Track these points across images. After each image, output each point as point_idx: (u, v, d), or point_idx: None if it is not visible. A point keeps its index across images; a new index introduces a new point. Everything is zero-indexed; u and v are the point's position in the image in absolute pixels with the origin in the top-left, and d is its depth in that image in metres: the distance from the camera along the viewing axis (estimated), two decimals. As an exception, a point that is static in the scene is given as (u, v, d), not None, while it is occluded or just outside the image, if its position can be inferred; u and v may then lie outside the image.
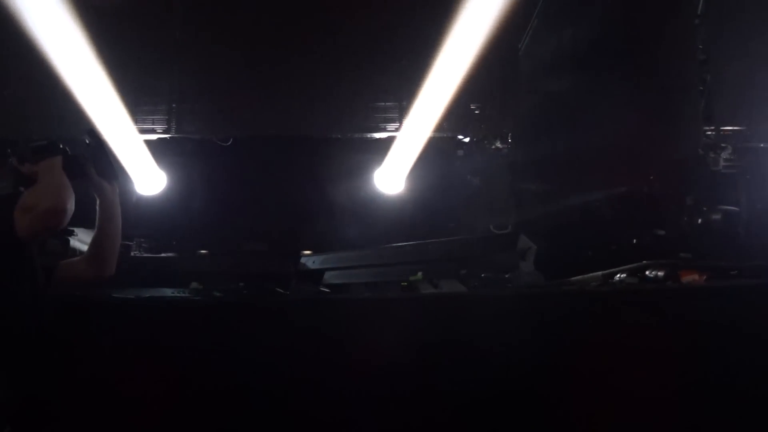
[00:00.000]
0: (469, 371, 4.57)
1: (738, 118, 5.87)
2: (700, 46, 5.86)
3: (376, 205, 5.82)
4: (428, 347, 4.60)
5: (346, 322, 4.79)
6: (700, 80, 5.84)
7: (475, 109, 5.53)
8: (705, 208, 5.40)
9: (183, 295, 5.17)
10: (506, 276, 4.98)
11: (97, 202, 3.08)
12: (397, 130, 5.65)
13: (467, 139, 5.63)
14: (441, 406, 4.52)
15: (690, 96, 5.85)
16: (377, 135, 5.81)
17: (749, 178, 5.53)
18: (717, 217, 5.33)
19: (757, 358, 4.15)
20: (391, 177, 5.88)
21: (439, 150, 5.75)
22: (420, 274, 5.07)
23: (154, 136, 6.02)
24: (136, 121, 5.91)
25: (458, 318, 4.69)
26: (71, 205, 2.80)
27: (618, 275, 4.77)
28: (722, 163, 5.82)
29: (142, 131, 6.04)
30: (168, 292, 5.19)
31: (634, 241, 5.15)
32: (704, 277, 4.53)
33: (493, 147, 5.55)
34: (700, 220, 5.37)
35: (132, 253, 5.69)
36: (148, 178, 5.93)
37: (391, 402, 4.56)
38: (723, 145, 5.84)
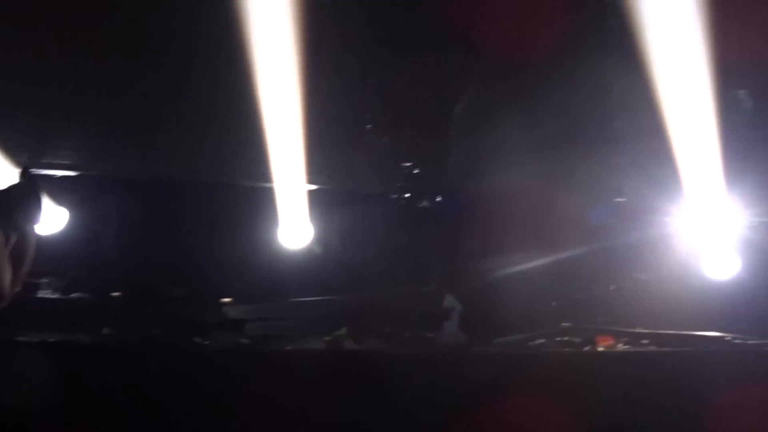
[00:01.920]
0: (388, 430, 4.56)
1: (647, 192, 6.21)
2: (614, 123, 6.21)
3: (299, 257, 5.78)
4: (348, 404, 4.57)
5: (266, 375, 4.70)
6: (615, 154, 6.16)
7: (405, 168, 5.65)
8: (618, 276, 5.66)
9: (93, 340, 4.94)
10: (430, 335, 5.03)
11: (11, 240, 2.90)
12: (325, 183, 5.69)
13: (395, 196, 5.73)
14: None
15: (603, 169, 6.16)
16: (302, 186, 5.81)
17: (657, 249, 5.85)
18: (629, 284, 5.61)
19: (667, 422, 4.35)
20: (309, 229, 5.88)
21: (367, 205, 5.81)
22: (344, 329, 5.05)
23: (70, 173, 5.81)
24: (54, 156, 5.70)
25: (380, 376, 4.69)
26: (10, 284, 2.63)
27: (538, 339, 4.91)
28: (631, 233, 6.14)
29: (55, 167, 5.83)
30: (77, 336, 4.95)
31: (554, 303, 5.35)
32: (620, 344, 4.73)
33: (421, 205, 5.66)
34: (612, 287, 5.63)
35: (40, 294, 5.39)
36: (49, 215, 5.68)
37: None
38: (632, 216, 6.17)
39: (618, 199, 6.18)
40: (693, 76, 5.89)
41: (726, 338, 4.79)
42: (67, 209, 5.68)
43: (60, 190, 5.69)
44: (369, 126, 5.77)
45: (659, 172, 6.08)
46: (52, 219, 5.60)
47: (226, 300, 5.45)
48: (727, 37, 5.93)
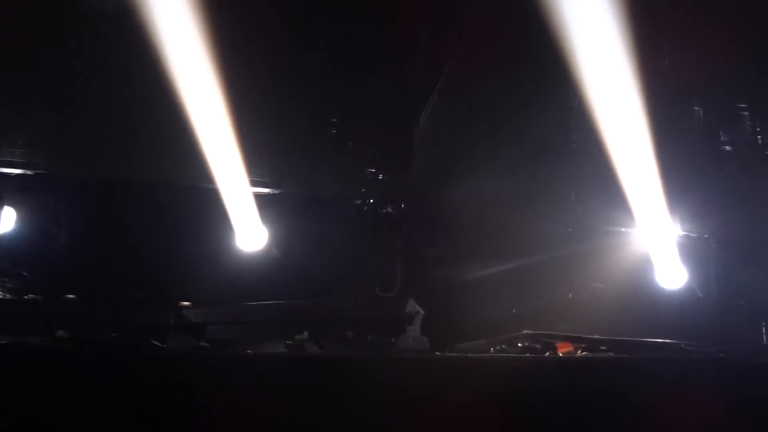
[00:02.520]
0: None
1: (604, 203, 6.37)
2: (574, 137, 6.36)
3: (261, 261, 5.74)
4: (310, 408, 4.54)
5: (227, 379, 4.64)
6: (573, 167, 6.31)
7: (369, 174, 5.69)
8: (575, 284, 5.79)
9: (47, 343, 4.79)
10: (392, 340, 5.04)
11: None
12: (290, 188, 5.67)
13: (359, 201, 5.75)
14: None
15: (563, 180, 6.30)
16: (266, 190, 5.79)
17: (613, 258, 6.00)
18: (586, 293, 5.73)
19: (624, 426, 4.44)
20: (272, 233, 5.85)
21: (331, 210, 5.82)
22: (306, 333, 5.02)
23: (27, 171, 5.65)
24: (10, 155, 5.54)
25: (342, 380, 4.68)
26: None
27: (499, 344, 4.97)
28: (588, 243, 6.28)
29: (10, 165, 5.67)
30: (30, 339, 4.80)
31: (514, 311, 5.43)
32: (579, 351, 4.82)
33: (385, 211, 5.70)
34: (570, 295, 5.74)
35: (-8, 295, 5.24)
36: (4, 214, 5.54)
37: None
38: (589, 226, 6.31)
39: (575, 209, 6.33)
40: (648, 92, 6.09)
41: (681, 345, 4.92)
42: (22, 209, 5.53)
43: (14, 189, 5.54)
44: (334, 132, 5.80)
45: (615, 184, 6.24)
46: (5, 218, 5.45)
47: (186, 303, 5.36)
48: (681, 59, 6.17)
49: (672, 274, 6.02)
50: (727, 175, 5.98)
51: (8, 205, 5.59)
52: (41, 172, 5.78)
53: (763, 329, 5.71)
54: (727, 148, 6.07)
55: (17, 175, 5.67)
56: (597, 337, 4.95)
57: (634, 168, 6.12)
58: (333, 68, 5.74)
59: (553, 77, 6.16)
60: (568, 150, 6.27)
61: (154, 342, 4.92)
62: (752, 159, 6.01)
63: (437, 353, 4.99)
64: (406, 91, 5.79)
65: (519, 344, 4.94)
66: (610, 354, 4.88)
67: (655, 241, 6.08)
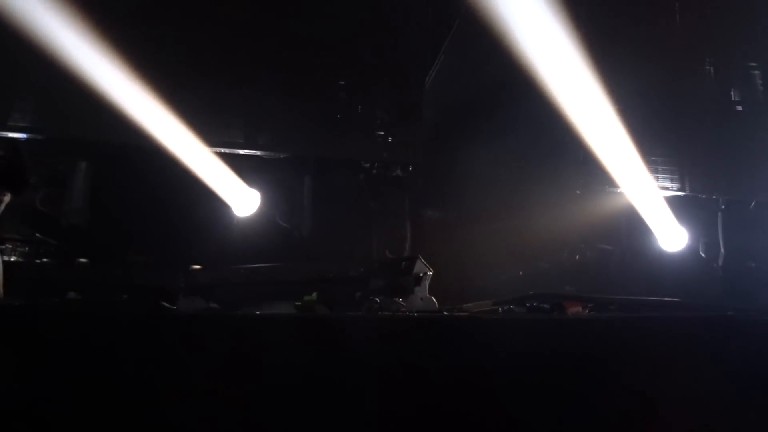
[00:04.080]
0: (357, 397, 4.58)
1: (610, 165, 6.34)
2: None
3: (270, 224, 5.77)
4: (319, 369, 4.57)
5: (236, 341, 4.67)
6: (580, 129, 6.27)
7: (379, 137, 5.68)
8: (582, 246, 5.78)
9: (58, 305, 4.84)
10: (401, 300, 5.06)
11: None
12: (299, 151, 5.68)
13: (368, 165, 5.76)
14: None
15: (571, 142, 6.27)
16: (279, 154, 5.81)
17: (622, 220, 5.99)
18: (593, 254, 5.72)
19: (635, 385, 4.45)
20: (283, 196, 5.87)
21: (340, 173, 5.82)
22: (315, 294, 5.04)
23: (37, 136, 5.66)
24: (21, 119, 5.55)
25: (352, 340, 4.70)
26: None
27: (507, 305, 4.98)
28: (595, 205, 6.27)
29: (22, 130, 5.69)
30: (43, 300, 4.86)
31: (521, 272, 5.43)
32: (587, 310, 4.81)
33: (394, 174, 5.70)
34: (577, 257, 5.74)
35: (5, 258, 5.27)
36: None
37: (274, 427, 4.47)
38: (596, 188, 6.29)
39: (583, 171, 6.30)
40: (660, 52, 6.04)
41: (690, 305, 4.92)
42: (34, 173, 5.56)
43: (27, 154, 5.55)
44: (342, 95, 5.78)
45: (623, 145, 6.21)
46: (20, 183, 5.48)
47: (196, 266, 5.41)
48: (692, 18, 6.10)
49: (679, 235, 6.02)
50: (737, 134, 5.95)
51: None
52: (52, 136, 5.80)
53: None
54: (738, 107, 6.03)
55: (28, 139, 5.70)
56: (605, 296, 4.95)
57: (642, 128, 6.09)
58: (340, 31, 5.70)
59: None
60: (576, 110, 6.21)
61: (165, 304, 4.97)
62: (763, 118, 5.96)
63: (445, 313, 5.01)
64: (414, 52, 5.75)
65: (527, 304, 4.94)
66: (619, 313, 4.87)
67: (662, 203, 6.07)
